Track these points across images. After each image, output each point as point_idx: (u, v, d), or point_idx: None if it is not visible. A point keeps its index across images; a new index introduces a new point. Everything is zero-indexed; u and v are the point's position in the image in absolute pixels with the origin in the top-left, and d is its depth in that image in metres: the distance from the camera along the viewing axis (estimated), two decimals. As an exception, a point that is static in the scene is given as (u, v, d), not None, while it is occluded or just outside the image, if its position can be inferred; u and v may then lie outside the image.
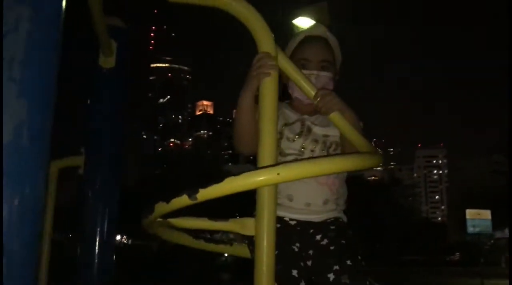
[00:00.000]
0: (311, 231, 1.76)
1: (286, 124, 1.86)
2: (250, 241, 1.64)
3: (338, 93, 1.74)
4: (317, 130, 1.85)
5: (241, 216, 1.46)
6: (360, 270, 1.64)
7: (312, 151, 1.82)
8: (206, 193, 1.24)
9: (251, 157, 1.66)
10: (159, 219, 1.45)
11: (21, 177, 0.93)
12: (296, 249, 1.71)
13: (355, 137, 1.59)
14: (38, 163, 0.97)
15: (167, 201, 1.28)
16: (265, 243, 1.38)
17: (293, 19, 9.49)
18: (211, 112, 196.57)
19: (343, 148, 1.81)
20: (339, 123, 1.63)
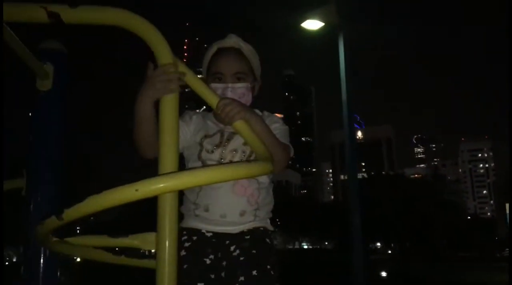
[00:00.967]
0: (227, 242, 1.75)
1: (206, 136, 1.86)
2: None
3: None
4: (237, 140, 1.83)
5: None
6: (268, 280, 1.61)
7: (231, 161, 1.81)
8: (71, 213, 1.25)
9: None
10: (55, 239, 1.47)
11: None
12: (209, 262, 1.71)
13: (257, 145, 1.57)
14: None
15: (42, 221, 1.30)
16: (166, 256, 1.38)
17: (301, 22, 9.42)
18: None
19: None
20: (243, 132, 1.60)
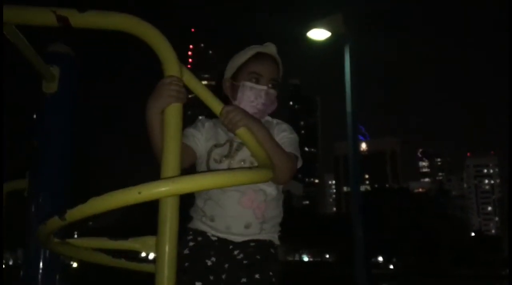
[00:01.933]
0: (231, 247, 1.76)
1: (216, 145, 1.86)
2: None
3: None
4: (245, 150, 1.81)
5: None
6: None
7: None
8: (74, 214, 1.26)
9: None
10: (57, 240, 1.48)
11: None
12: (210, 263, 1.72)
13: (258, 152, 1.58)
14: None
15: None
16: (166, 260, 1.38)
17: (308, 31, 9.46)
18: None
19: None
20: (246, 139, 1.62)
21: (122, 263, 1.55)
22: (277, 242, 1.85)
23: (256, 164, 1.81)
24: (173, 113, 1.50)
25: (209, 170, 1.82)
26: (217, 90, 1.95)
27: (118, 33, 1.53)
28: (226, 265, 1.72)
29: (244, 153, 1.82)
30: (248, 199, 1.77)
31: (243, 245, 1.76)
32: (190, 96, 1.60)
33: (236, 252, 1.74)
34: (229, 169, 1.77)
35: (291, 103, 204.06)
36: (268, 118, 1.93)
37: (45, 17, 1.36)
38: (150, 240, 1.53)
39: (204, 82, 1.85)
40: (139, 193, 1.22)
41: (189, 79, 1.61)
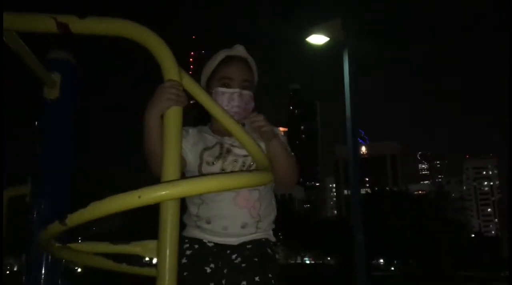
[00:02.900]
0: (228, 251, 1.77)
1: (205, 148, 1.87)
2: None
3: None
4: (237, 151, 1.85)
5: None
6: None
7: (232, 172, 1.82)
8: (74, 219, 1.27)
9: None
10: (58, 245, 1.49)
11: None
12: (209, 270, 1.73)
13: (258, 155, 1.60)
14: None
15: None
16: (167, 264, 1.39)
17: (307, 37, 9.50)
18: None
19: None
20: (243, 141, 1.63)
21: (123, 267, 1.55)
22: (272, 239, 1.87)
23: (247, 163, 1.85)
24: (173, 116, 1.51)
25: (201, 174, 1.83)
26: None
27: (119, 39, 1.55)
28: (225, 270, 1.73)
29: (237, 153, 1.85)
30: (242, 198, 1.79)
31: (240, 248, 1.77)
32: (192, 102, 1.62)
33: (234, 256, 1.75)
34: (231, 172, 1.79)
35: (291, 108, 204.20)
36: None
37: (45, 23, 1.37)
38: (151, 244, 1.53)
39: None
40: (139, 197, 1.23)
41: (189, 83, 1.62)
